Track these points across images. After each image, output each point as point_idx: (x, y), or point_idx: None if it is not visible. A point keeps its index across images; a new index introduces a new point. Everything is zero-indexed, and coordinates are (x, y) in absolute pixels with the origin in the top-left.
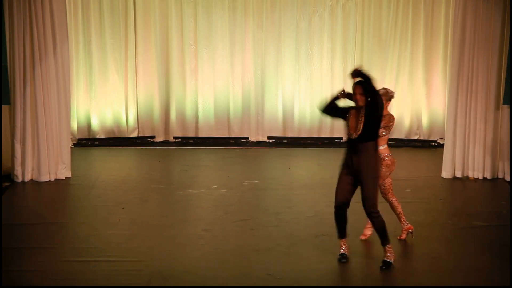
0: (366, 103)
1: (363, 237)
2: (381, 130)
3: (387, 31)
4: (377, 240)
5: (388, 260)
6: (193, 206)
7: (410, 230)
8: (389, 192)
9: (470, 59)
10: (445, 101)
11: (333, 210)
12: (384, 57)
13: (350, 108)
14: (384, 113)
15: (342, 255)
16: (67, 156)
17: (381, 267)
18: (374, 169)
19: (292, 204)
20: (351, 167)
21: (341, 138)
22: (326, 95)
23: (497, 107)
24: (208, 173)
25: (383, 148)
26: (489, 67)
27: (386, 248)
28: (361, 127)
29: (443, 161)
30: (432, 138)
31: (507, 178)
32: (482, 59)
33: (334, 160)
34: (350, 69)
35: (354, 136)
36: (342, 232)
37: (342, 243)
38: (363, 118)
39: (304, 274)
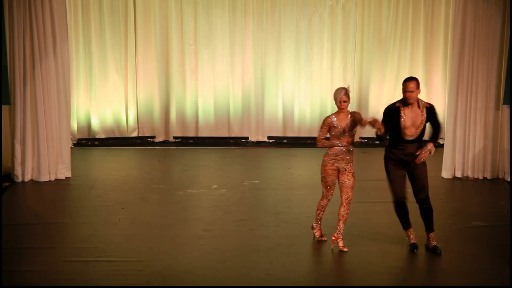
0: (427, 106)
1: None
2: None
3: (387, 31)
4: (377, 240)
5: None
6: (193, 206)
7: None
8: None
9: (470, 59)
10: (445, 101)
11: (332, 210)
12: (384, 57)
13: (399, 109)
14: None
15: (413, 245)
16: (67, 156)
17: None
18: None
19: (292, 204)
20: (405, 163)
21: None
22: (326, 96)
23: (497, 107)
24: (208, 173)
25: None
26: (489, 67)
27: (431, 235)
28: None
29: (443, 161)
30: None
31: (507, 178)
32: (482, 59)
33: None
34: (350, 69)
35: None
36: (407, 222)
37: (408, 233)
38: (424, 119)
39: (304, 274)
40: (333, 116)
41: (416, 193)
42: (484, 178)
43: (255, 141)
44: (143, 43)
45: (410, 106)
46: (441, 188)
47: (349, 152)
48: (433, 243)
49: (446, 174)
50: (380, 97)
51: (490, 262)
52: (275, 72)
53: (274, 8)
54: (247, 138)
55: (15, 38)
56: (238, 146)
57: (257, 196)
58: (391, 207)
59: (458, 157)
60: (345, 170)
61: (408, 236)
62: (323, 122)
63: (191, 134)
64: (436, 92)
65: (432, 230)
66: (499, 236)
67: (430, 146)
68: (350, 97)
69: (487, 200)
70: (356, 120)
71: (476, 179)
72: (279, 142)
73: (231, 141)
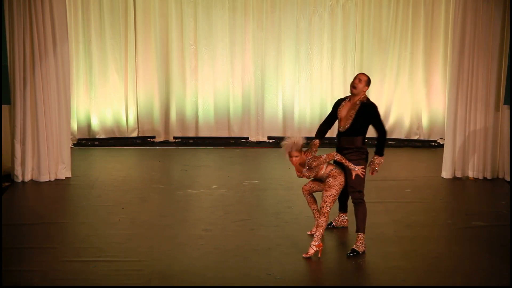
0: (363, 101)
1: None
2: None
3: (387, 31)
4: (377, 240)
5: (357, 248)
6: (193, 206)
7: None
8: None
9: (470, 59)
10: (445, 101)
11: (332, 210)
12: (384, 57)
13: (342, 101)
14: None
15: (332, 224)
16: (67, 156)
17: (348, 254)
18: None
19: (292, 204)
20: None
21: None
22: (326, 96)
23: (497, 108)
24: (208, 173)
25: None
26: (489, 67)
27: (359, 236)
28: (350, 122)
29: (443, 161)
30: (432, 138)
31: (507, 178)
32: (482, 59)
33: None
34: (350, 69)
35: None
36: (342, 206)
37: (340, 215)
38: (354, 113)
39: (304, 274)
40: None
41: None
42: (484, 178)
43: (255, 141)
44: (143, 43)
45: (351, 99)
46: (441, 188)
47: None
48: (356, 245)
49: (446, 174)
50: (380, 97)
51: (490, 262)
52: (275, 72)
53: (274, 8)
54: (247, 138)
55: (15, 38)
56: (238, 146)
57: (257, 196)
58: (391, 207)
59: (458, 157)
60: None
61: (337, 217)
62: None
63: (191, 134)
64: (436, 92)
65: (359, 231)
66: (499, 236)
67: (376, 160)
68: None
69: (487, 200)
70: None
71: (476, 179)
72: (279, 142)
73: (231, 141)
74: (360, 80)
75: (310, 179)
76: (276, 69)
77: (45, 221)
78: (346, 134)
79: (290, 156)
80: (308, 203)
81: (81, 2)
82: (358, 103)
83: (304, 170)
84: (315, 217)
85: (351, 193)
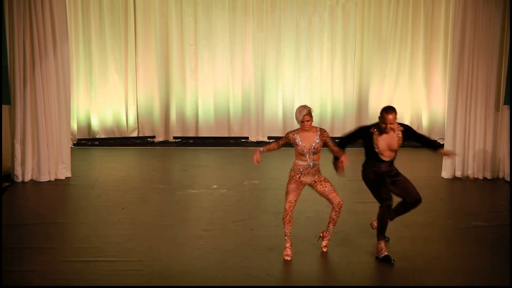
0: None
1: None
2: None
3: (387, 31)
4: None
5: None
6: (193, 206)
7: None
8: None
9: (470, 59)
10: (445, 101)
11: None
12: (384, 57)
13: (373, 131)
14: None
15: (387, 257)
16: (67, 156)
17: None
18: None
19: None
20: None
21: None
22: (326, 96)
23: (497, 108)
24: (208, 173)
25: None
26: (489, 67)
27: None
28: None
29: (443, 161)
30: (432, 138)
31: (507, 178)
32: (482, 59)
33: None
34: (350, 69)
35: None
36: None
37: (383, 244)
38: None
39: (304, 274)
40: (296, 133)
41: (411, 197)
42: (484, 178)
43: (255, 141)
44: (143, 43)
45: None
46: (441, 188)
47: (314, 166)
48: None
49: (446, 174)
50: (380, 97)
51: (490, 262)
52: (275, 72)
53: (274, 8)
54: (247, 138)
55: (15, 38)
56: (238, 146)
57: (257, 196)
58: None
59: (458, 157)
60: (315, 182)
61: (382, 248)
62: (285, 136)
63: (191, 134)
64: (436, 92)
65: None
66: (499, 236)
67: (451, 152)
68: (352, 99)
69: (487, 200)
70: (326, 142)
71: (476, 179)
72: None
73: (231, 141)
74: (392, 123)
75: (289, 205)
76: (276, 69)
77: (45, 221)
78: (391, 160)
79: (302, 121)
80: (288, 226)
81: (81, 2)
82: (397, 134)
83: (316, 140)
84: (288, 233)
85: (417, 204)
